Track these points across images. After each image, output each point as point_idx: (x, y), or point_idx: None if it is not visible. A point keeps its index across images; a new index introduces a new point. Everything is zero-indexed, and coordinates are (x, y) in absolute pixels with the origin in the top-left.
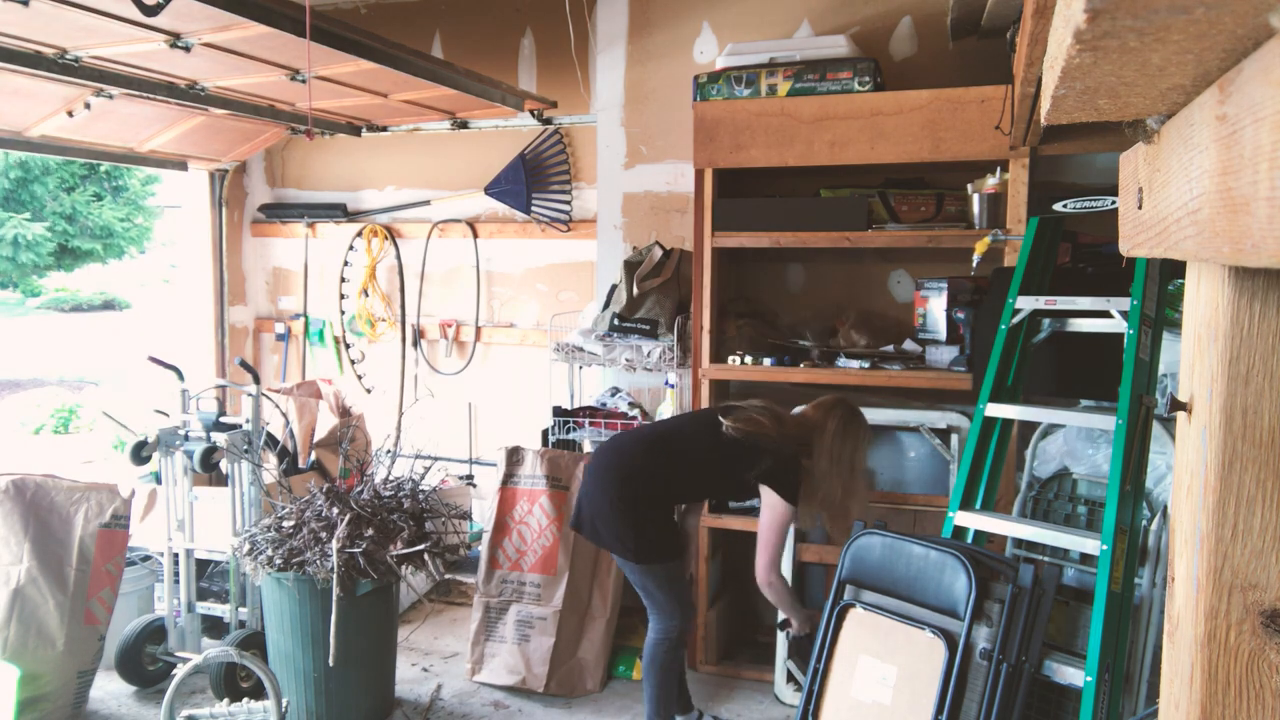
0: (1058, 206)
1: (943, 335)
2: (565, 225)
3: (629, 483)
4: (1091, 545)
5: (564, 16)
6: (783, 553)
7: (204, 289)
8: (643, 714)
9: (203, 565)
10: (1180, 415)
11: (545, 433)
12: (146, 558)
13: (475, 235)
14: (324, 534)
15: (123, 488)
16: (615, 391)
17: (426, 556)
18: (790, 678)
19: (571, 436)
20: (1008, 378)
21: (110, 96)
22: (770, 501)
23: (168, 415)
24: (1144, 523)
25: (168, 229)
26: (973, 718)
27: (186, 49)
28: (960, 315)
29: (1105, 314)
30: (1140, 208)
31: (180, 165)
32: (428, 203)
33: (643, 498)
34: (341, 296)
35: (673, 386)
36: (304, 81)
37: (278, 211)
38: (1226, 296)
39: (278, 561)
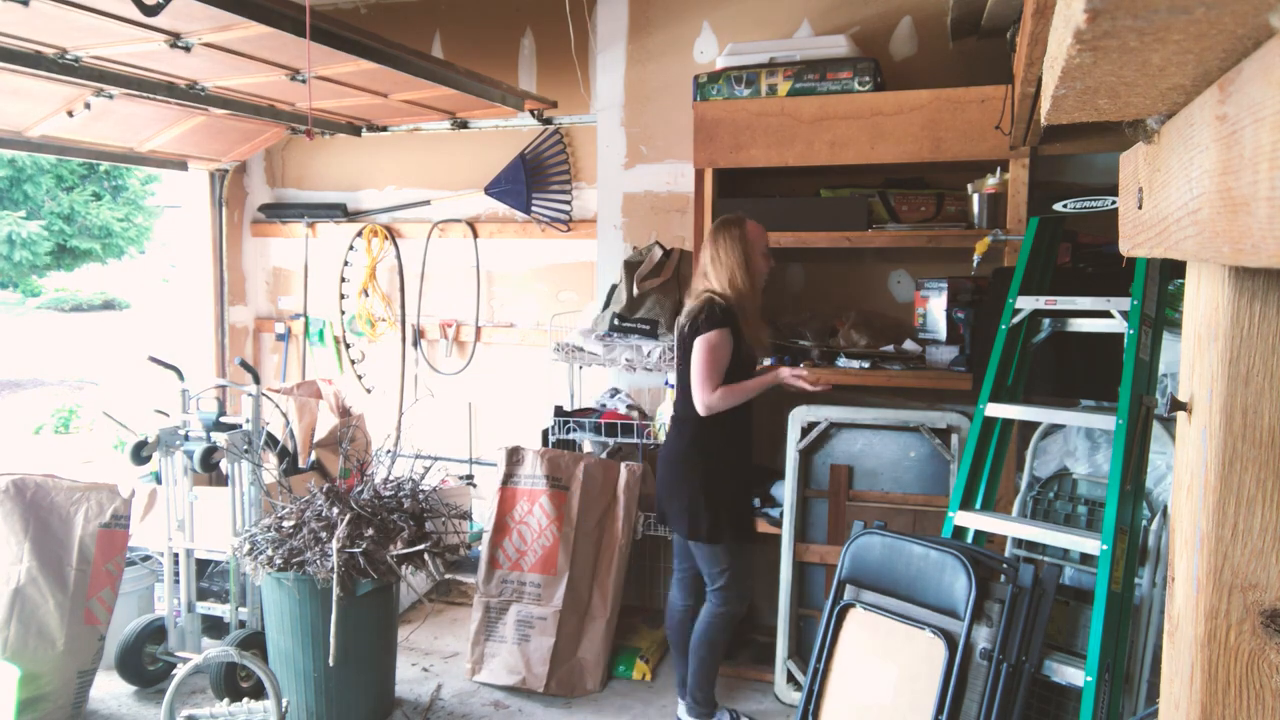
0: (1058, 206)
1: (943, 335)
2: (565, 225)
3: (679, 460)
4: (1091, 545)
5: (564, 16)
6: (719, 380)
7: (204, 289)
8: (680, 697)
9: (203, 565)
10: (1180, 415)
11: (545, 433)
12: (146, 558)
13: (475, 235)
14: (324, 534)
15: (123, 488)
16: (615, 393)
17: (426, 556)
18: (790, 678)
19: (571, 436)
20: (1008, 378)
21: (110, 96)
22: (696, 345)
23: (168, 415)
24: (1144, 523)
25: (167, 229)
26: (973, 718)
27: (186, 49)
28: (960, 315)
29: (1105, 314)
30: (1140, 208)
31: (180, 165)
32: (428, 203)
33: (691, 463)
34: (341, 296)
35: (673, 386)
36: (304, 81)
37: (278, 211)
38: (1226, 296)
39: (278, 561)
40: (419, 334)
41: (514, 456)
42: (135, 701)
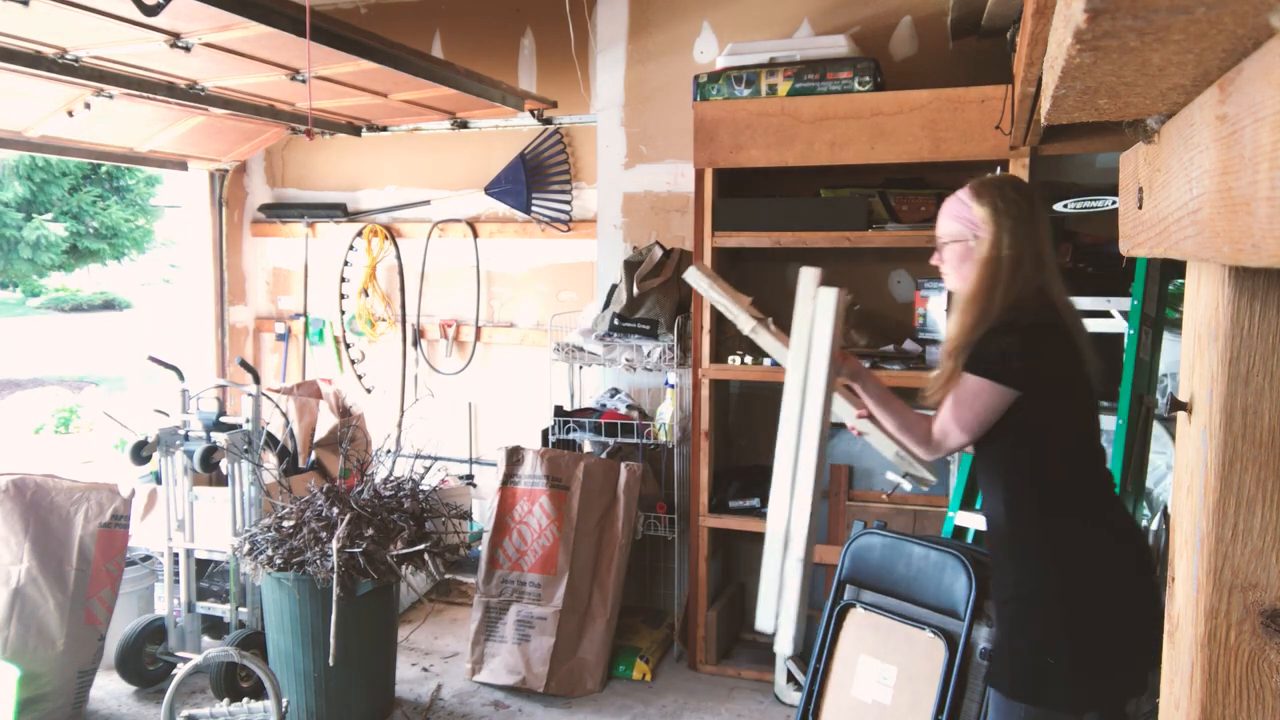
0: (1058, 206)
1: (943, 335)
2: (565, 225)
3: None
4: None
5: (564, 16)
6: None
7: (204, 289)
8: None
9: (203, 565)
10: (1180, 415)
11: (545, 433)
12: (146, 558)
13: (475, 235)
14: (324, 534)
15: (123, 488)
16: (615, 393)
17: (426, 556)
18: (790, 678)
19: (571, 436)
20: None
21: (110, 96)
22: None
23: (168, 415)
24: (1144, 523)
25: (168, 229)
26: (973, 718)
27: (186, 49)
28: None
29: (1106, 314)
30: (1140, 208)
31: (180, 165)
32: (428, 202)
33: None
34: (341, 296)
35: (673, 386)
36: (304, 81)
37: (278, 211)
38: (1226, 296)
39: (278, 561)
40: (419, 334)
41: (514, 456)
42: (135, 701)
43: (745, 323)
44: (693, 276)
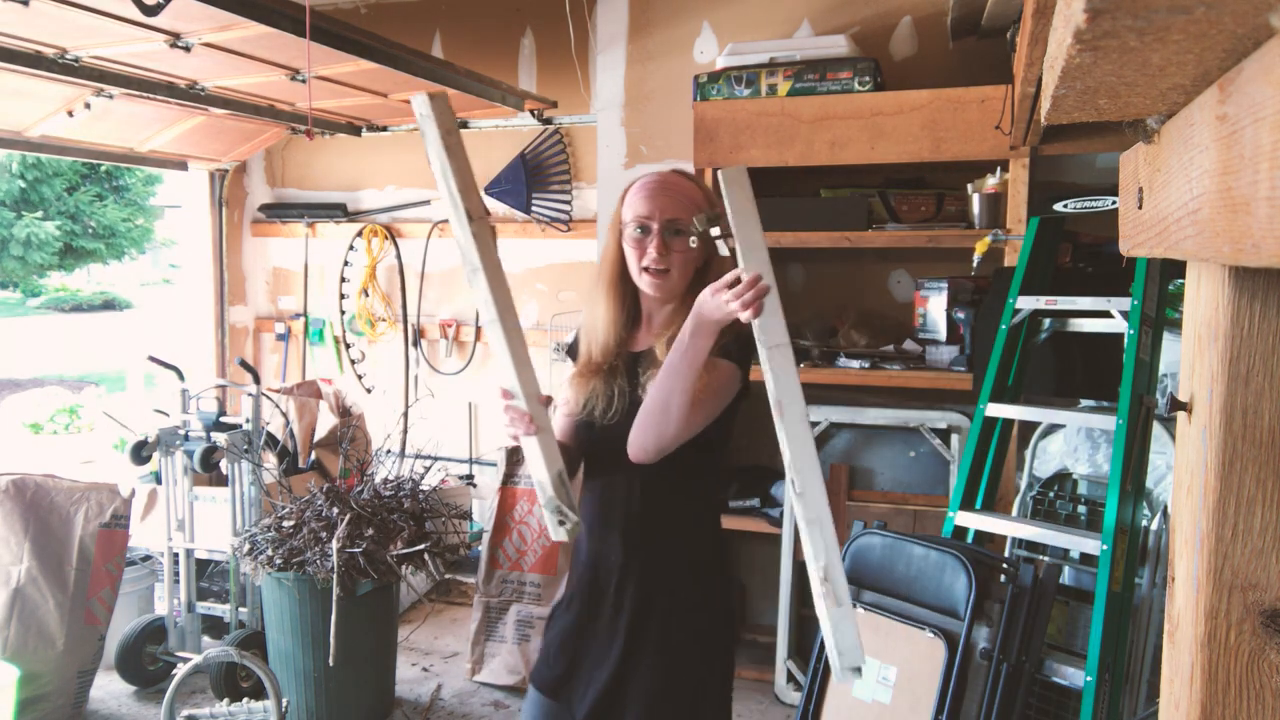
0: (1058, 206)
1: (943, 335)
2: (565, 225)
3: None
4: (1091, 545)
5: (564, 16)
6: None
7: (204, 289)
8: None
9: (203, 565)
10: (1180, 415)
11: None
12: (146, 558)
13: None
14: (324, 534)
15: (123, 488)
16: None
17: (426, 556)
18: (790, 677)
19: None
20: (1008, 378)
21: (110, 96)
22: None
23: (168, 415)
24: (1144, 523)
25: (168, 229)
26: (973, 718)
27: (186, 49)
28: (960, 315)
29: (1106, 314)
30: (1140, 208)
31: (180, 165)
32: (428, 202)
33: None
34: (341, 296)
35: None
36: (304, 81)
37: (278, 211)
38: (1226, 296)
39: (278, 561)
40: (419, 334)
41: (514, 456)
42: (135, 701)
43: (473, 206)
44: (421, 105)
